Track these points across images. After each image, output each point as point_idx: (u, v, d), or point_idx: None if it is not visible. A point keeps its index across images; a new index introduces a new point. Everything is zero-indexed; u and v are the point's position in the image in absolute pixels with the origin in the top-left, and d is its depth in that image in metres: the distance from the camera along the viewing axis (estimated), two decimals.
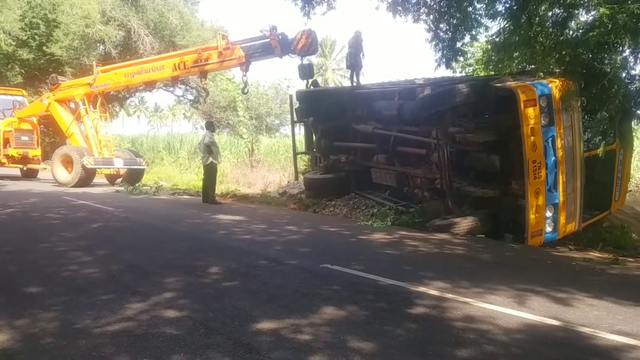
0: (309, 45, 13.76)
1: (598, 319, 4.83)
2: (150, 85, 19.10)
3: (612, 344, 4.24)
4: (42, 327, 4.27)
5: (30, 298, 5.09)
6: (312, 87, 16.52)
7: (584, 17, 10.59)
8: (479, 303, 5.19)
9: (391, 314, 4.83)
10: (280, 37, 13.95)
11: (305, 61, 14.56)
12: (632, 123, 10.86)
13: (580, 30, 9.64)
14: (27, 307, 4.74)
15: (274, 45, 14.02)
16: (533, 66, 11.03)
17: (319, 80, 64.82)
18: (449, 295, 5.43)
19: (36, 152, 20.96)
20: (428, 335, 4.33)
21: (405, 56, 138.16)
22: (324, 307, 4.92)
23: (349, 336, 4.17)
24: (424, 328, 4.49)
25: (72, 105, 19.13)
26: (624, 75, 9.50)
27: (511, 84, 9.68)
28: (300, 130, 20.16)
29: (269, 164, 23.66)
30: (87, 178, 17.67)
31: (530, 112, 9.06)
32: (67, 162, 17.93)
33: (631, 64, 9.74)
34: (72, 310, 4.68)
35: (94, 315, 4.53)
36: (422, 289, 5.70)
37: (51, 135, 26.41)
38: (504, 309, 5.01)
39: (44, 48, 26.69)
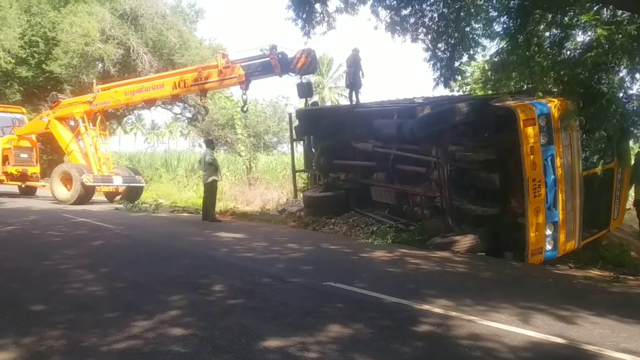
0: (308, 64, 13.88)
1: (603, 337, 4.86)
2: (150, 103, 19.19)
3: None
4: (49, 345, 4.28)
5: (35, 316, 5.09)
6: (310, 106, 16.62)
7: (581, 37, 10.79)
8: (483, 321, 5.21)
9: (397, 332, 4.85)
10: (280, 56, 14.06)
11: (304, 80, 14.64)
12: (630, 142, 10.99)
13: (578, 51, 9.81)
14: (32, 325, 4.74)
15: (274, 64, 14.13)
16: (531, 85, 11.16)
17: (316, 98, 65.23)
18: (453, 313, 5.45)
19: (35, 169, 20.93)
20: (435, 354, 4.35)
21: (403, 75, 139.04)
22: (329, 325, 4.94)
23: (356, 354, 4.19)
24: (430, 346, 4.51)
25: (72, 122, 19.17)
26: (621, 95, 9.64)
27: (510, 103, 9.79)
28: (298, 148, 20.24)
29: (267, 181, 23.67)
30: (86, 195, 17.63)
31: (530, 131, 9.15)
32: (66, 180, 17.91)
33: (628, 84, 9.91)
34: (78, 328, 4.69)
35: (101, 334, 4.54)
36: (426, 306, 5.72)
37: (50, 152, 26.40)
38: (508, 327, 5.03)
39: (43, 66, 26.78)
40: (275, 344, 4.37)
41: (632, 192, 12.57)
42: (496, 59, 11.73)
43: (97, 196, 19.44)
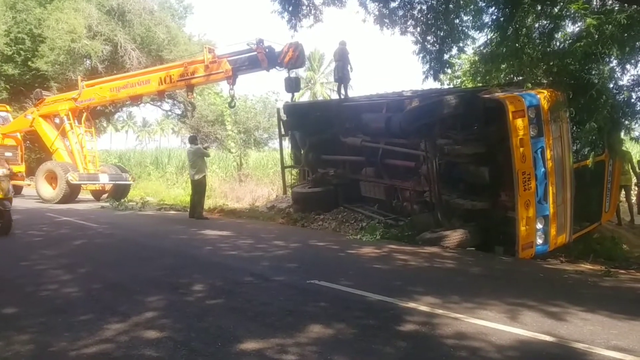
0: (296, 58, 13.69)
1: (593, 334, 4.70)
2: (136, 100, 18.94)
3: None
4: (15, 351, 4.12)
5: (4, 319, 4.91)
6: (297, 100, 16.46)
7: (570, 28, 10.64)
8: (470, 319, 5.05)
9: (380, 332, 4.67)
10: (267, 50, 13.88)
11: (293, 74, 14.44)
12: (621, 134, 10.84)
13: (568, 41, 9.64)
14: (0, 329, 4.55)
15: (261, 59, 13.95)
16: (520, 77, 11.00)
17: (308, 94, 64.89)
18: (440, 311, 5.28)
19: (20, 168, 20.62)
20: (418, 354, 4.19)
21: (392, 68, 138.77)
22: (310, 325, 4.76)
23: (336, 356, 4.02)
24: (413, 346, 4.35)
25: (57, 120, 18.93)
26: (611, 85, 9.48)
27: (499, 95, 9.61)
28: (288, 144, 20.04)
29: (257, 178, 23.45)
30: (71, 194, 17.42)
31: (519, 123, 8.98)
32: (52, 178, 17.69)
33: (618, 75, 9.75)
34: (48, 332, 4.52)
35: (71, 337, 4.37)
36: (412, 304, 5.55)
37: (36, 151, 26.09)
38: (496, 325, 4.87)
39: (30, 63, 26.44)
40: (252, 346, 4.19)
41: None
42: (485, 51, 11.56)
43: (84, 194, 19.24)
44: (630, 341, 4.53)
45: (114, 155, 33.76)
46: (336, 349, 4.17)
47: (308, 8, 13.56)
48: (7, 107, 22.48)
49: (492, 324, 4.90)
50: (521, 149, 9.00)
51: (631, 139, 10.11)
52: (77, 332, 4.48)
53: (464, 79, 18.20)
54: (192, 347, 4.17)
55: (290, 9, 13.06)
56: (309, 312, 5.22)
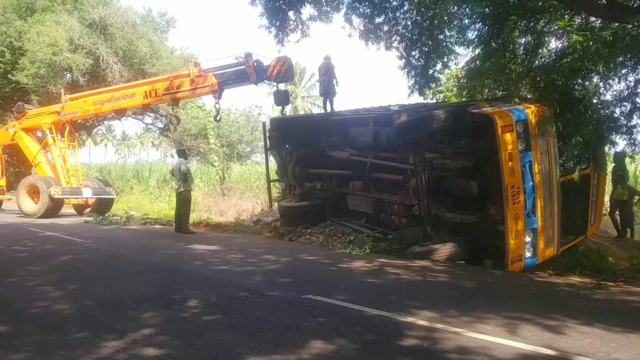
0: (284, 72, 13.75)
1: (593, 347, 4.73)
2: (120, 113, 18.78)
3: None
4: None
5: None
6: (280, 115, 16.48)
7: (554, 44, 10.84)
8: (469, 333, 5.05)
9: (382, 347, 4.65)
10: (255, 64, 13.90)
11: (282, 87, 14.49)
12: (605, 148, 11.03)
13: (554, 57, 9.81)
14: None
15: (249, 72, 13.96)
16: (506, 92, 11.15)
17: (289, 107, 64.93)
18: (439, 325, 5.28)
19: (1, 182, 20.33)
20: None
21: (378, 83, 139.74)
22: (311, 340, 4.72)
23: None
24: None
25: (39, 134, 18.68)
26: (596, 101, 9.66)
27: (488, 109, 9.72)
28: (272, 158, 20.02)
29: (240, 191, 23.36)
30: (54, 208, 17.16)
31: (508, 137, 9.09)
32: (34, 192, 17.43)
33: (603, 90, 9.95)
34: (43, 351, 4.41)
35: (68, 355, 4.28)
36: (410, 319, 5.54)
37: (16, 164, 25.69)
38: (496, 339, 4.88)
39: (10, 76, 26.09)
40: None
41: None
42: (471, 66, 11.71)
43: (66, 209, 18.95)
44: (631, 354, 4.57)
45: (94, 169, 33.44)
46: None
47: (295, 23, 13.71)
48: None
49: (493, 337, 4.91)
50: (510, 163, 9.10)
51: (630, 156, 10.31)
52: (73, 350, 4.38)
53: (447, 93, 18.44)
54: None
55: (277, 24, 13.18)
56: (308, 328, 5.17)
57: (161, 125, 34.64)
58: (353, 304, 6.15)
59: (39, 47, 24.71)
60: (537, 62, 10.24)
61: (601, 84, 9.82)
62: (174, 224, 14.40)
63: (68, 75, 27.16)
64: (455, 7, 12.27)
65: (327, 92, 14.98)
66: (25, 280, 7.28)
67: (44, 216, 16.73)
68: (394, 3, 13.62)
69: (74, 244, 11.17)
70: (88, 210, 19.00)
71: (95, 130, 39.80)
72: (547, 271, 9.54)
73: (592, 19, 10.90)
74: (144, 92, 16.06)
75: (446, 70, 16.37)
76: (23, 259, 9.20)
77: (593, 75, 9.34)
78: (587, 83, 9.60)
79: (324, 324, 5.36)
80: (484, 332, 5.08)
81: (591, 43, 8.29)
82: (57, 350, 4.41)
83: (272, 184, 17.10)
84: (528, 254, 9.38)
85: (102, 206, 18.58)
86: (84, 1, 28.27)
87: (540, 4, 8.86)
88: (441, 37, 13.48)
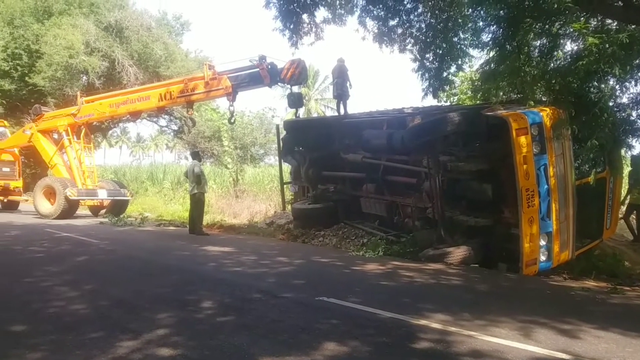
0: (298, 74, 13.77)
1: (608, 351, 4.70)
2: (135, 116, 18.93)
3: None
4: None
5: (15, 337, 4.82)
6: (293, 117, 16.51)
7: (569, 46, 10.76)
8: (483, 336, 5.03)
9: (395, 350, 4.65)
10: (269, 66, 13.94)
11: (296, 90, 14.52)
12: (622, 151, 10.93)
13: (569, 59, 9.74)
14: (11, 347, 4.50)
15: (263, 75, 14.01)
16: (520, 95, 11.09)
17: (303, 110, 65.05)
18: (452, 329, 5.27)
19: (17, 183, 20.59)
20: None
21: (392, 85, 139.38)
22: (324, 342, 4.73)
23: None
24: None
25: (56, 136, 18.88)
26: (612, 103, 9.58)
27: (502, 112, 9.69)
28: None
29: (254, 193, 23.44)
30: (70, 209, 17.34)
31: (522, 140, 9.04)
32: (50, 194, 17.61)
33: (619, 93, 9.85)
34: (60, 350, 4.45)
35: (84, 355, 4.31)
36: (423, 322, 5.53)
37: (33, 166, 26.01)
38: (510, 342, 4.86)
39: (27, 79, 26.48)
40: None
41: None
42: (486, 68, 11.65)
43: (82, 210, 19.12)
44: None
45: (109, 170, 33.66)
46: None
47: (309, 26, 13.72)
48: (5, 122, 22.46)
49: (507, 341, 4.89)
50: (524, 166, 9.05)
51: None
52: (89, 350, 4.42)
53: (462, 96, 18.36)
54: None
55: (291, 27, 13.19)
56: (321, 330, 5.18)
57: (175, 128, 34.93)
58: (366, 306, 6.15)
59: (56, 50, 25.04)
60: (552, 64, 10.16)
61: (617, 86, 9.72)
62: (188, 226, 14.48)
63: (84, 77, 27.47)
64: (470, 10, 12.22)
65: (341, 94, 14.97)
66: (42, 281, 7.37)
67: (59, 217, 16.90)
68: (408, 6, 13.59)
69: (90, 244, 11.28)
70: (103, 211, 19.17)
71: (110, 132, 40.21)
72: (562, 275, 9.48)
73: (608, 21, 10.80)
74: (159, 95, 16.17)
75: (460, 73, 16.30)
76: (40, 260, 9.30)
77: (609, 77, 9.25)
78: (603, 86, 9.50)
79: (337, 326, 5.37)
80: (498, 336, 5.06)
81: (607, 45, 8.22)
82: (73, 349, 4.45)
83: (285, 186, 17.13)
84: (543, 258, 9.31)
85: (117, 207, 18.73)
86: (100, 4, 28.63)
87: (555, 6, 8.78)
88: (455, 39, 13.43)
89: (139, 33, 27.62)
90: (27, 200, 20.07)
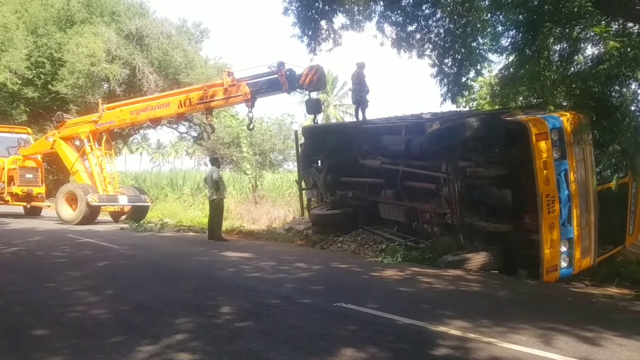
0: (316, 80, 13.80)
1: None
2: (155, 123, 19.10)
3: None
4: None
5: (37, 341, 4.89)
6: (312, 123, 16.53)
7: (590, 50, 10.65)
8: (503, 343, 4.99)
9: (414, 356, 4.64)
10: (287, 73, 13.99)
11: (314, 96, 14.56)
12: None
13: (589, 64, 9.64)
14: (33, 351, 4.57)
15: (282, 81, 14.06)
16: (540, 100, 11.00)
17: (321, 116, 65.11)
18: (472, 335, 5.23)
19: (40, 189, 20.87)
20: None
21: (410, 91, 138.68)
22: (342, 348, 4.72)
23: None
24: None
25: (77, 142, 19.12)
26: (633, 108, 9.46)
27: (522, 117, 9.61)
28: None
29: (273, 199, 23.51)
30: (91, 215, 17.54)
31: (542, 145, 8.96)
32: (72, 200, 17.82)
33: None
34: (80, 354, 4.51)
35: (104, 359, 4.35)
36: (442, 328, 5.50)
37: (55, 172, 26.39)
38: (530, 350, 4.81)
39: (49, 86, 26.90)
40: None
41: None
42: (505, 73, 11.59)
43: (102, 216, 19.34)
44: None
45: (130, 176, 34.00)
46: None
47: (327, 32, 13.82)
48: (28, 129, 22.83)
49: (527, 348, 4.84)
50: (545, 172, 8.97)
51: None
52: (109, 354, 4.47)
53: (480, 101, 18.26)
54: None
55: (309, 33, 13.29)
56: (339, 336, 5.18)
57: (195, 134, 35.20)
58: (385, 312, 6.14)
59: (78, 58, 25.43)
60: (572, 69, 10.06)
61: (639, 90, 9.63)
62: (207, 232, 14.57)
63: (105, 85, 27.85)
64: (489, 15, 12.18)
65: (359, 100, 14.98)
66: (64, 285, 7.47)
67: (81, 223, 17.10)
68: (426, 11, 13.59)
69: (110, 250, 11.40)
70: (124, 217, 19.36)
71: (131, 139, 40.60)
72: (584, 282, 9.35)
73: (630, 24, 10.69)
74: (179, 102, 16.32)
75: (479, 78, 16.21)
76: (62, 265, 9.42)
77: (631, 82, 9.17)
78: (624, 90, 9.39)
79: (356, 332, 5.36)
80: (517, 343, 5.01)
81: (629, 49, 8.14)
82: (93, 354, 4.50)
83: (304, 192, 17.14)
84: (564, 264, 9.20)
85: (138, 213, 18.89)
86: (121, 13, 29.03)
87: (575, 10, 8.71)
88: (474, 44, 13.36)
89: (159, 41, 27.93)
90: (49, 206, 20.34)
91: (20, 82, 26.27)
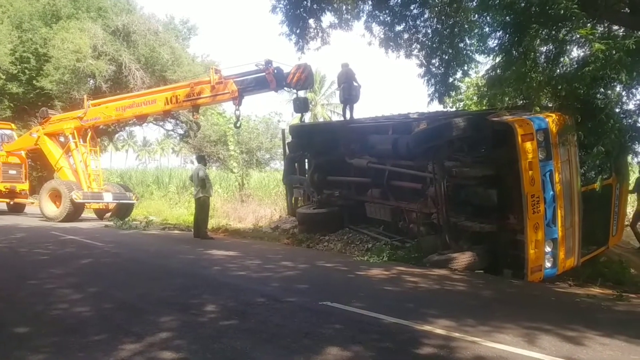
0: (304, 79, 13.75)
1: (613, 359, 4.68)
2: (141, 119, 18.99)
3: None
4: None
5: (17, 339, 4.84)
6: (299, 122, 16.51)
7: (576, 52, 10.74)
8: (487, 342, 5.00)
9: (398, 355, 4.64)
10: (275, 71, 13.94)
11: (302, 95, 14.52)
12: (628, 157, 10.87)
13: (575, 65, 9.71)
14: (14, 349, 4.52)
15: (270, 80, 14.00)
16: (526, 101, 11.06)
17: (309, 115, 65.06)
18: (456, 334, 5.24)
19: (24, 186, 20.66)
20: None
21: (398, 91, 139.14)
22: (327, 347, 4.71)
23: None
24: None
25: (62, 139, 18.95)
26: (618, 110, 9.54)
27: (508, 118, 9.67)
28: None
29: (259, 198, 23.43)
30: (75, 212, 17.38)
31: (528, 146, 9.02)
32: (56, 197, 17.66)
33: (625, 99, 9.81)
34: (62, 352, 4.46)
35: (87, 357, 4.32)
36: (427, 327, 5.50)
37: (39, 169, 26.13)
38: (514, 349, 4.83)
39: (34, 82, 26.65)
40: None
41: None
42: (492, 74, 11.64)
43: (87, 213, 19.18)
44: None
45: (116, 174, 33.71)
46: None
47: (315, 31, 13.80)
48: (12, 125, 22.58)
49: (511, 347, 4.87)
50: (530, 172, 9.02)
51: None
52: (91, 352, 4.42)
53: (467, 102, 18.33)
54: None
55: (297, 31, 13.25)
56: (324, 334, 5.16)
57: (181, 132, 35.04)
58: (370, 311, 6.13)
59: (64, 53, 25.21)
60: (558, 70, 10.14)
61: (624, 92, 9.69)
62: (192, 230, 14.50)
63: (91, 81, 27.67)
64: (476, 16, 12.21)
65: (348, 99, 14.93)
66: (46, 283, 7.38)
67: (65, 220, 16.95)
68: (415, 11, 13.62)
69: (94, 247, 11.29)
70: (108, 214, 19.20)
71: (116, 136, 40.34)
72: (568, 282, 9.43)
73: (615, 27, 10.78)
74: (165, 99, 16.21)
75: (466, 79, 16.27)
76: (44, 262, 9.31)
77: (615, 84, 9.22)
78: (609, 92, 9.49)
79: (341, 331, 5.35)
80: (502, 342, 5.04)
81: (614, 52, 8.19)
82: (75, 352, 4.45)
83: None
84: (548, 264, 9.28)
85: (123, 211, 18.76)
86: (108, 9, 28.83)
87: (562, 12, 8.75)
88: (461, 45, 13.43)
89: (146, 37, 27.77)
90: (33, 203, 20.16)
91: (4, 77, 26.01)
